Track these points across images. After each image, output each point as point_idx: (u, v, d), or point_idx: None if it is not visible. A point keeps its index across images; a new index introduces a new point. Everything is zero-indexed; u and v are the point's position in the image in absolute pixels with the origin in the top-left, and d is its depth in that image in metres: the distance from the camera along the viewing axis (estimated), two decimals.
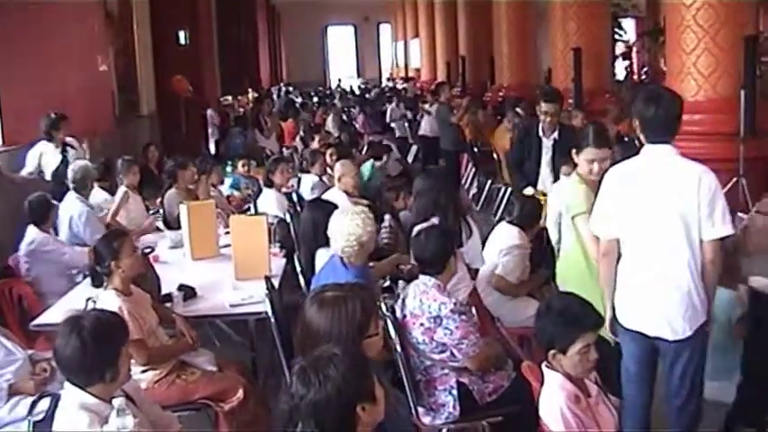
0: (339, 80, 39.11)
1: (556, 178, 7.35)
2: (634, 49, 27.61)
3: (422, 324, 4.60)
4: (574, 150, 5.24)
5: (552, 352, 3.64)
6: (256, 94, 23.55)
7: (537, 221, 6.49)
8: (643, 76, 25.49)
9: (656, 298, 4.29)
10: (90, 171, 8.00)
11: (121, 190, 8.54)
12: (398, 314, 4.76)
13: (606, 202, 4.47)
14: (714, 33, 7.74)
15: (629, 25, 28.60)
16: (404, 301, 4.79)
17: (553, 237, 5.71)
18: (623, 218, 4.36)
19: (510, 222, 6.44)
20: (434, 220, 5.81)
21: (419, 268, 4.87)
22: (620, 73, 25.18)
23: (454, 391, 4.65)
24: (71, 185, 7.81)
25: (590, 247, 4.91)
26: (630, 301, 4.42)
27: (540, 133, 7.82)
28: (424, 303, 4.63)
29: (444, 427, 4.71)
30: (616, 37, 22.11)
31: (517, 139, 8.57)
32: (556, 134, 7.76)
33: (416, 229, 5.62)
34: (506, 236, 6.31)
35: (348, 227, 5.05)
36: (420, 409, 4.68)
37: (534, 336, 3.94)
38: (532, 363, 4.03)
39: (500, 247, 6.25)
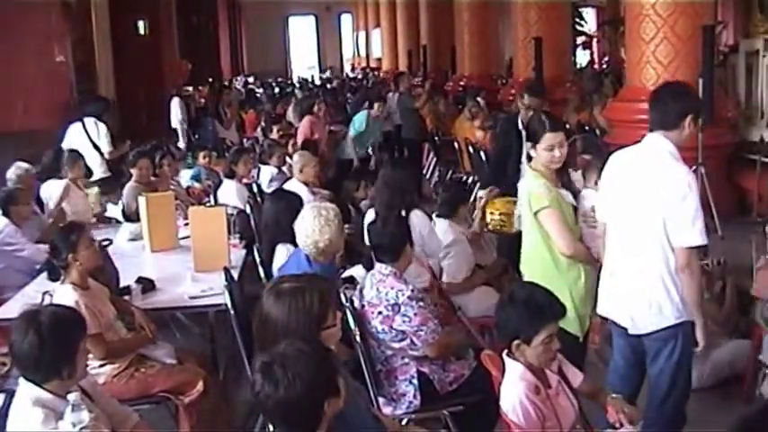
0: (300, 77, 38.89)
1: None
2: (594, 39, 27.80)
3: (380, 312, 4.59)
4: (529, 145, 5.10)
5: (516, 342, 3.64)
6: (217, 85, 23.33)
7: (462, 204, 6.57)
8: (604, 66, 25.66)
9: (624, 288, 4.35)
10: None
11: (63, 183, 8.40)
12: (357, 304, 4.75)
13: (603, 186, 4.57)
14: (673, 23, 7.79)
15: (589, 15, 28.79)
16: (361, 291, 4.79)
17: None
18: (609, 204, 4.46)
19: (438, 216, 6.45)
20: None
21: (375, 255, 4.85)
22: (581, 62, 25.34)
23: (415, 381, 4.65)
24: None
25: (558, 241, 4.81)
26: (604, 287, 4.53)
27: (520, 126, 7.31)
28: (381, 292, 4.63)
29: (405, 416, 4.70)
30: (577, 27, 22.24)
31: (499, 136, 8.26)
32: None
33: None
34: (441, 234, 6.29)
35: (307, 229, 5.06)
36: (381, 400, 4.67)
37: (496, 326, 3.92)
38: (493, 352, 4.02)
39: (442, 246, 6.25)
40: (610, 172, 4.52)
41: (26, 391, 3.47)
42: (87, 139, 10.94)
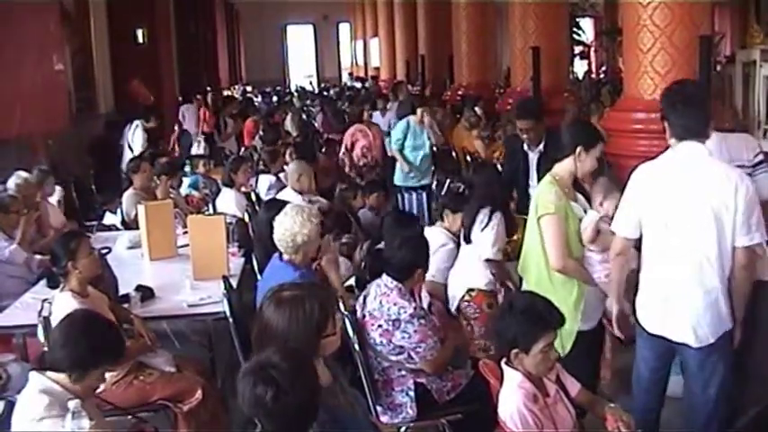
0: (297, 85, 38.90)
1: None
2: (592, 49, 27.85)
3: (380, 326, 4.61)
4: (580, 148, 4.83)
5: (515, 351, 3.65)
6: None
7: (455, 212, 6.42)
8: (601, 75, 25.73)
9: (683, 301, 4.20)
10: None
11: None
12: (359, 313, 4.75)
13: (631, 200, 4.38)
14: (670, 33, 7.78)
15: (587, 25, 28.86)
16: (365, 299, 4.80)
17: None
18: (650, 217, 4.28)
19: (430, 223, 6.45)
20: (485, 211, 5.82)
21: (385, 269, 4.84)
22: (579, 72, 25.40)
23: (411, 393, 4.67)
24: None
25: (550, 251, 4.75)
26: (654, 305, 4.35)
27: (526, 147, 7.24)
28: (383, 305, 4.64)
29: (403, 425, 4.72)
30: (574, 36, 22.28)
31: (506, 157, 8.07)
32: (542, 146, 7.14)
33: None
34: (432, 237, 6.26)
35: (286, 223, 5.05)
36: (378, 408, 4.68)
37: (495, 334, 3.93)
38: (491, 360, 4.04)
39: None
40: (644, 186, 4.35)
41: (35, 380, 3.55)
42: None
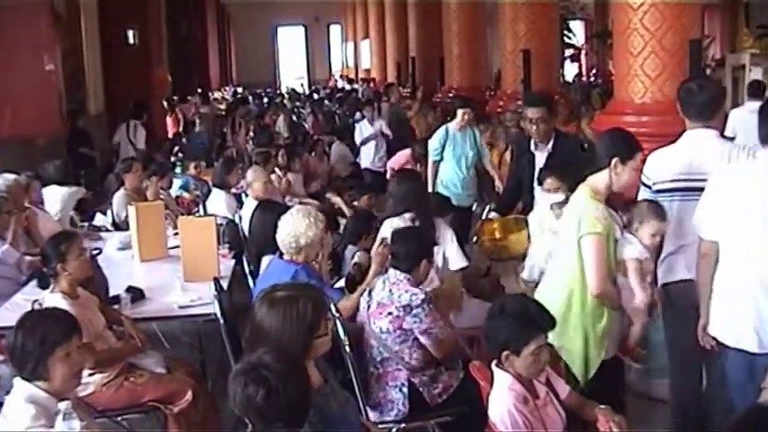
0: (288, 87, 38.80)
1: None
2: (583, 52, 27.93)
3: (390, 313, 4.66)
4: (616, 159, 4.45)
5: (506, 353, 3.67)
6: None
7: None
8: (592, 78, 25.80)
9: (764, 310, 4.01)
10: None
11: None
12: (363, 304, 4.84)
13: (715, 201, 4.14)
14: (660, 36, 7.81)
15: (577, 28, 28.93)
16: (370, 292, 4.87)
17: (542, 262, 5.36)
18: (733, 221, 4.07)
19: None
20: (407, 216, 5.83)
21: (392, 263, 4.93)
22: (570, 75, 25.45)
23: (404, 389, 4.70)
24: None
25: (591, 275, 4.40)
26: (732, 315, 4.12)
27: (533, 147, 6.84)
28: (394, 293, 4.71)
29: (394, 426, 4.73)
30: (565, 39, 22.35)
31: (513, 157, 7.71)
32: (550, 145, 6.75)
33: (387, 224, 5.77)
34: None
35: (290, 224, 5.14)
36: (368, 407, 4.71)
37: (486, 336, 3.94)
38: (481, 363, 4.05)
39: None
40: (723, 186, 4.14)
41: (21, 388, 3.53)
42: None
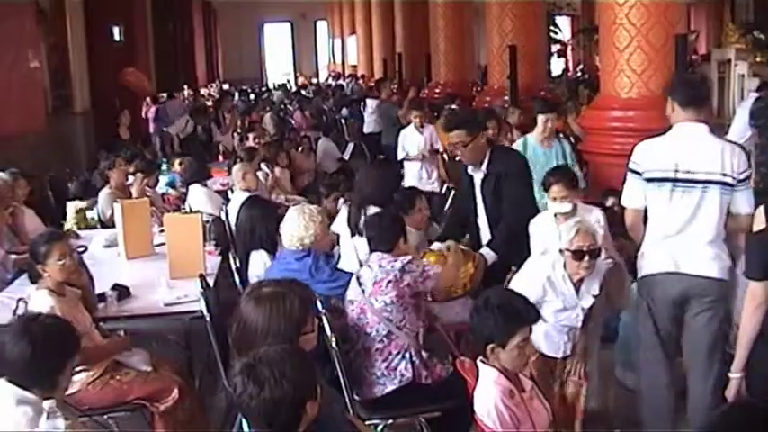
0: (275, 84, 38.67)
1: None
2: (569, 47, 27.96)
3: (389, 282, 4.74)
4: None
5: (491, 346, 3.66)
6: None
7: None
8: (578, 74, 25.83)
9: None
10: None
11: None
12: (358, 293, 4.85)
13: None
14: (646, 32, 7.84)
15: (564, 23, 28.96)
16: (359, 280, 4.90)
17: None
18: None
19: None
20: (372, 209, 5.81)
21: (372, 246, 5.03)
22: (556, 70, 25.48)
23: (407, 354, 4.77)
24: None
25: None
26: None
27: (470, 169, 6.08)
28: (385, 266, 4.82)
29: (381, 423, 4.73)
30: (552, 35, 22.37)
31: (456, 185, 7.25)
32: (484, 166, 5.93)
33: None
34: None
35: (292, 227, 5.31)
36: (372, 377, 4.77)
37: (471, 330, 3.94)
38: (467, 359, 4.05)
39: None
40: None
41: (8, 391, 3.46)
42: None
